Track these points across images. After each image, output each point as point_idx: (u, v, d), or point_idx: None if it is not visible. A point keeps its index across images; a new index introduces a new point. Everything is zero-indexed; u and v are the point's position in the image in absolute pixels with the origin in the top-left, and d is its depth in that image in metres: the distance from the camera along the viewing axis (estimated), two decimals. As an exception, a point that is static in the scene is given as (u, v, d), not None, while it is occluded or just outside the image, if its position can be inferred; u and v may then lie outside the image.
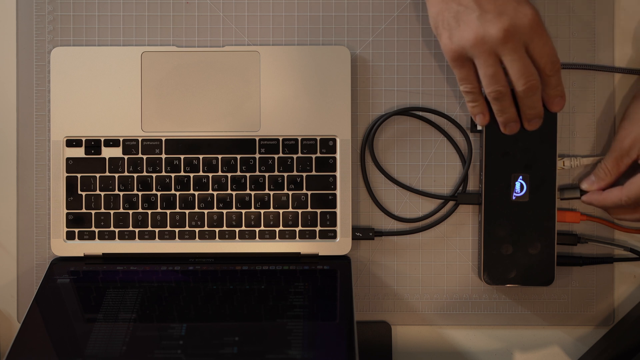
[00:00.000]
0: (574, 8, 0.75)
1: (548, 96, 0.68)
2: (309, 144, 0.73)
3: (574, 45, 0.75)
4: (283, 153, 0.73)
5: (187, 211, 0.73)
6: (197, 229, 0.73)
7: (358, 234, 0.74)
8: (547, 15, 0.75)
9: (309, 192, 0.73)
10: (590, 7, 0.75)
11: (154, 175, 0.73)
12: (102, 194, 0.73)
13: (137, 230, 0.73)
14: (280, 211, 0.73)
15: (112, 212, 0.73)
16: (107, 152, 0.73)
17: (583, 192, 0.74)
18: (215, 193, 0.73)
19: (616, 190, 0.70)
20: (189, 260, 0.73)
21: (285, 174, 0.73)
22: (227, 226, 0.73)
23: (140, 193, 0.73)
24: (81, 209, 0.73)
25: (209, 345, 0.63)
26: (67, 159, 0.73)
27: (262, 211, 0.73)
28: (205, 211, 0.73)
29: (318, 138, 0.73)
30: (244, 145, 0.73)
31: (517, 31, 0.63)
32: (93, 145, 0.73)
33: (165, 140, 0.73)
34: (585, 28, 0.75)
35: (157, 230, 0.73)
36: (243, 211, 0.73)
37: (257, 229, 0.73)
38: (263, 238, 0.73)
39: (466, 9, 0.64)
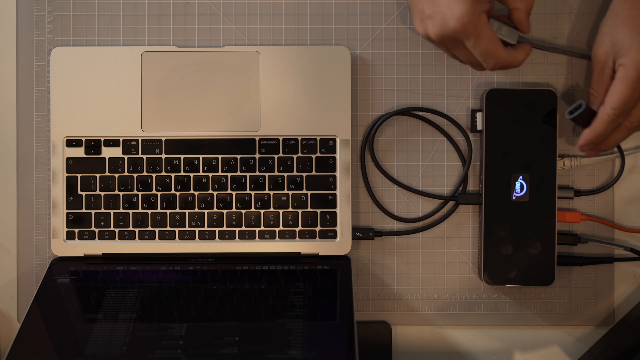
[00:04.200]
0: (573, 8, 0.75)
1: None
2: (309, 144, 0.73)
3: (574, 45, 0.75)
4: (283, 153, 0.73)
5: (187, 211, 0.73)
6: (197, 229, 0.73)
7: (358, 234, 0.74)
8: (547, 15, 0.75)
9: (309, 192, 0.73)
10: (590, 7, 0.75)
11: (154, 175, 0.73)
12: (102, 194, 0.73)
13: (137, 230, 0.73)
14: (280, 211, 0.73)
15: (112, 212, 0.73)
16: (107, 152, 0.73)
17: (577, 193, 0.74)
18: (215, 193, 0.73)
19: (600, 111, 0.67)
20: (189, 260, 0.73)
21: (285, 174, 0.73)
22: (227, 226, 0.73)
23: (140, 193, 0.73)
24: (81, 209, 0.73)
25: (209, 345, 0.63)
26: (67, 159, 0.73)
27: (262, 211, 0.73)
28: (205, 211, 0.73)
29: (318, 138, 0.73)
30: (244, 145, 0.73)
31: (447, 35, 0.64)
32: (93, 145, 0.73)
33: (165, 140, 0.73)
34: (585, 28, 0.75)
35: (157, 230, 0.73)
36: (243, 211, 0.73)
37: (257, 229, 0.73)
38: (263, 238, 0.73)
39: (416, 5, 0.66)
